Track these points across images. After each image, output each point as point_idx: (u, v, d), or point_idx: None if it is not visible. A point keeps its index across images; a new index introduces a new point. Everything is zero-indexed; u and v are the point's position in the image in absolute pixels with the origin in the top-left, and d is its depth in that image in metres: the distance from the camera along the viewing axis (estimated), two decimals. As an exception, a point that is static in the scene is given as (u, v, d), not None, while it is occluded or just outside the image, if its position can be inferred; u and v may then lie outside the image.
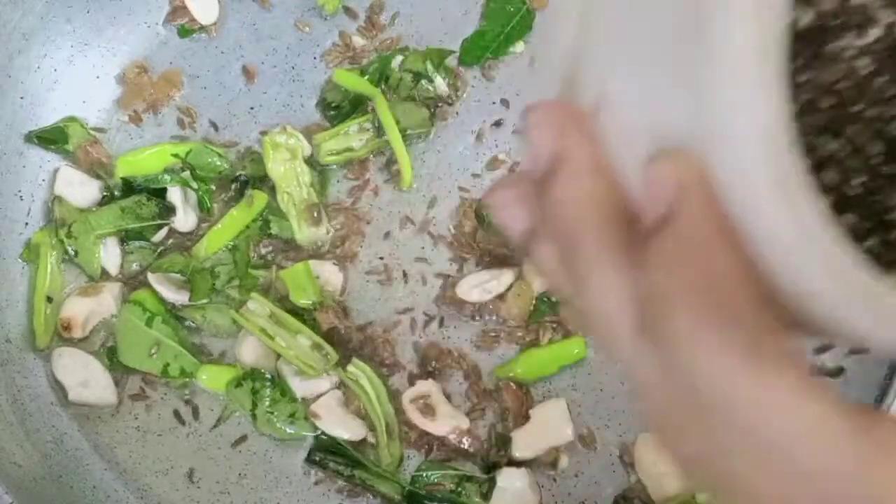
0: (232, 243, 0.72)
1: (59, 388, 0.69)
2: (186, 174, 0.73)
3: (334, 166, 0.75)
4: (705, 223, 0.23)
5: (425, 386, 0.69)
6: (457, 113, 0.77)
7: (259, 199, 0.72)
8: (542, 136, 0.27)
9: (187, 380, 0.70)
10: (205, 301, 0.71)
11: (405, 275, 0.73)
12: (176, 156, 0.73)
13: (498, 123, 0.76)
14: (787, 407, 0.22)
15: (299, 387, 0.69)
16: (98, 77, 0.76)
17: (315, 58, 0.78)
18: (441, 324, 0.71)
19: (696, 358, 0.23)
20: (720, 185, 0.23)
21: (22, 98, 0.73)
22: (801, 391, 0.23)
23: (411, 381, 0.70)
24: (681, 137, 0.24)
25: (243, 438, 0.69)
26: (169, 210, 0.72)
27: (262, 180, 0.73)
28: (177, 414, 0.70)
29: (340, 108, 0.75)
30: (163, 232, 0.72)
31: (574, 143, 0.27)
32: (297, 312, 0.69)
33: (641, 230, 0.25)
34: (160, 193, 0.73)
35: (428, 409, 0.68)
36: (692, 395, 0.24)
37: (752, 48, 0.21)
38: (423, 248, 0.73)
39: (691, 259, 0.23)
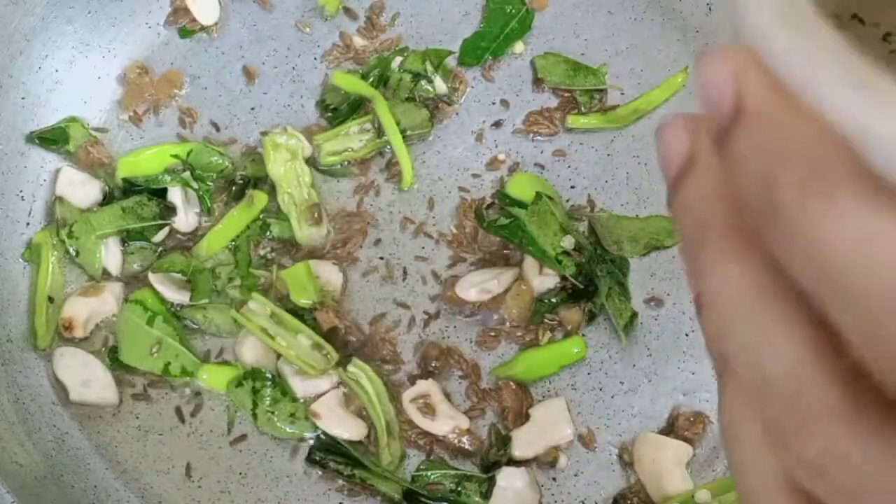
0: (233, 243, 0.72)
1: (60, 388, 0.70)
2: (187, 174, 0.73)
3: (335, 167, 0.75)
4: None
5: (425, 386, 0.69)
6: (457, 113, 0.77)
7: (259, 199, 0.72)
8: (719, 78, 0.24)
9: (188, 379, 0.70)
10: (205, 301, 0.71)
11: (405, 274, 0.73)
12: (176, 156, 0.73)
13: (498, 123, 0.76)
14: None
15: (300, 386, 0.69)
16: (99, 77, 0.77)
17: (315, 58, 0.78)
18: (441, 323, 0.72)
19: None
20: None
21: (23, 98, 0.74)
22: None
23: (411, 381, 0.70)
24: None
25: (243, 437, 0.69)
26: (170, 210, 0.73)
27: (262, 180, 0.73)
28: (178, 413, 0.70)
29: (339, 110, 0.75)
30: (164, 232, 0.73)
31: (759, 88, 0.23)
32: (297, 312, 0.69)
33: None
34: (161, 193, 0.73)
35: (428, 409, 0.68)
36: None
37: None
38: (423, 247, 0.73)
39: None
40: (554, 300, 0.71)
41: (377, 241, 0.74)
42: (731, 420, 0.25)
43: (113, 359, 0.70)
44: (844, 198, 0.20)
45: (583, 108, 0.77)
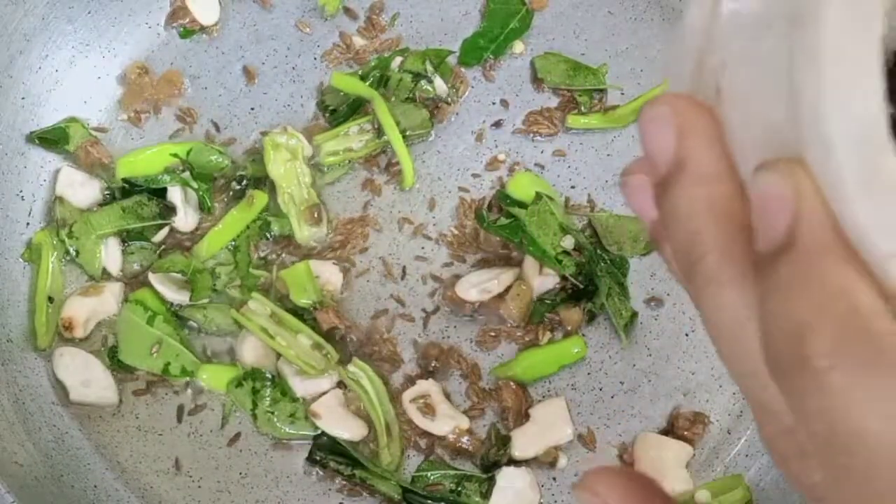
0: (233, 243, 0.72)
1: (60, 388, 0.70)
2: (186, 174, 0.73)
3: (335, 167, 0.75)
4: (829, 251, 0.21)
5: (425, 386, 0.69)
6: (457, 113, 0.77)
7: (259, 199, 0.72)
8: (660, 134, 0.25)
9: (188, 379, 0.70)
10: (205, 301, 0.71)
11: (405, 274, 0.73)
12: (176, 155, 0.73)
13: (498, 124, 0.76)
14: None
15: (300, 386, 0.69)
16: (99, 77, 0.77)
17: (315, 58, 0.78)
18: (441, 323, 0.72)
19: (844, 406, 0.21)
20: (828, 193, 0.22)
21: (23, 98, 0.74)
22: None
23: (411, 381, 0.70)
24: (788, 139, 0.22)
25: (243, 438, 0.69)
26: (169, 210, 0.73)
27: (262, 180, 0.73)
28: (178, 413, 0.70)
29: (339, 111, 0.75)
30: (163, 232, 0.73)
31: (696, 145, 0.24)
32: (297, 312, 0.69)
33: (758, 246, 0.23)
34: (161, 193, 0.73)
35: (428, 409, 0.68)
36: (832, 435, 0.21)
37: (848, 50, 0.21)
38: (423, 247, 0.73)
39: (823, 285, 0.21)
40: (554, 300, 0.71)
41: (377, 241, 0.74)
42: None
43: (113, 359, 0.70)
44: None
45: (583, 108, 0.76)
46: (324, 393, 0.69)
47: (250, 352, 0.70)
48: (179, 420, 0.70)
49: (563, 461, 0.69)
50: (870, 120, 0.21)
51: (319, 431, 0.68)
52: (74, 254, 0.71)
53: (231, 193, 0.74)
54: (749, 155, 0.24)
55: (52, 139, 0.74)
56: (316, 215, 0.72)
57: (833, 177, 0.22)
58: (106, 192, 0.73)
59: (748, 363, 0.24)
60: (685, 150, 0.24)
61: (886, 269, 0.21)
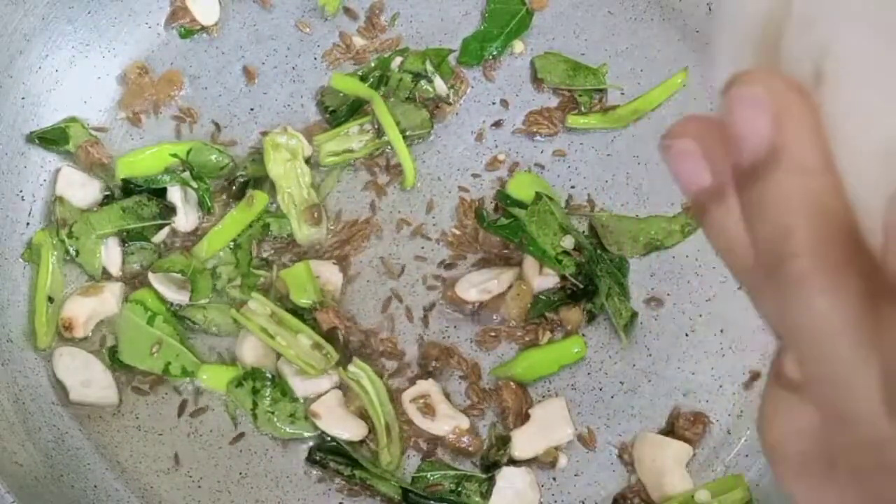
0: (234, 243, 0.72)
1: (60, 388, 0.70)
2: (186, 174, 0.73)
3: (335, 167, 0.75)
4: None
5: (425, 386, 0.69)
6: (457, 113, 0.77)
7: (259, 199, 0.72)
8: (754, 118, 0.22)
9: (188, 379, 0.70)
10: (205, 301, 0.71)
11: (405, 274, 0.73)
12: (175, 155, 0.73)
13: (498, 123, 0.76)
14: None
15: (300, 386, 0.69)
16: (99, 78, 0.77)
17: (315, 58, 0.78)
18: (441, 323, 0.72)
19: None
20: None
21: (23, 98, 0.74)
22: None
23: (411, 381, 0.70)
24: None
25: (243, 437, 0.69)
26: (169, 210, 0.73)
27: (262, 180, 0.73)
28: (178, 413, 0.70)
29: (338, 112, 0.75)
30: (163, 232, 0.73)
31: (797, 134, 0.22)
32: (297, 312, 0.69)
33: (882, 260, 0.21)
34: (161, 193, 0.73)
35: (428, 409, 0.68)
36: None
37: None
38: (422, 247, 0.73)
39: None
40: (554, 300, 0.71)
41: (377, 241, 0.74)
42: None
43: (113, 359, 0.70)
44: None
45: (583, 108, 0.76)
46: (324, 393, 0.69)
47: (250, 352, 0.70)
48: (180, 420, 0.70)
49: (563, 461, 0.69)
50: None
51: (319, 431, 0.68)
52: (74, 254, 0.71)
53: (231, 193, 0.74)
54: (862, 166, 0.22)
55: (52, 139, 0.74)
56: (316, 215, 0.72)
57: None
58: (106, 192, 0.73)
59: (835, 366, 0.22)
60: (784, 139, 0.22)
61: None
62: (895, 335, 0.21)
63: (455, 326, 0.72)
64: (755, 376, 0.71)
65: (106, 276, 0.72)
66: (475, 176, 0.75)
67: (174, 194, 0.72)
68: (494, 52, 0.78)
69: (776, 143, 0.22)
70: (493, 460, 0.68)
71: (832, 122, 0.22)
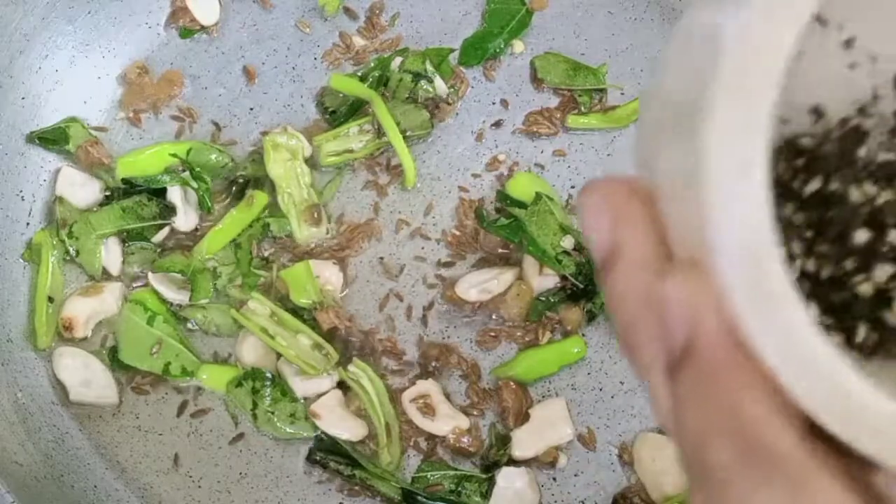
0: (234, 242, 0.72)
1: (60, 388, 0.70)
2: (186, 174, 0.73)
3: (335, 167, 0.75)
4: (725, 357, 0.22)
5: (425, 386, 0.69)
6: (457, 113, 0.77)
7: (259, 199, 0.72)
8: (596, 221, 0.25)
9: (188, 379, 0.70)
10: (205, 301, 0.71)
11: (405, 274, 0.73)
12: (176, 155, 0.73)
13: (498, 123, 0.76)
14: None
15: (300, 386, 0.69)
16: (99, 77, 0.77)
17: (315, 58, 0.78)
18: (441, 323, 0.72)
19: (737, 500, 0.22)
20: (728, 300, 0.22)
21: (23, 98, 0.74)
22: None
23: (411, 381, 0.70)
24: (696, 242, 0.23)
25: (243, 437, 0.69)
26: (169, 210, 0.73)
27: (262, 180, 0.73)
28: (178, 413, 0.70)
29: (338, 112, 0.75)
30: (164, 232, 0.73)
31: (629, 235, 0.25)
32: (297, 312, 0.69)
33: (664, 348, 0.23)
34: (161, 193, 0.73)
35: (428, 409, 0.68)
36: None
37: (736, 162, 0.21)
38: (422, 247, 0.73)
39: (717, 399, 0.22)
40: (554, 300, 0.71)
41: (377, 241, 0.74)
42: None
43: (113, 359, 0.70)
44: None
45: (583, 108, 0.77)
46: (324, 393, 0.69)
47: (250, 352, 0.70)
48: (179, 420, 0.70)
49: (563, 461, 0.69)
50: (754, 227, 0.21)
51: (319, 431, 0.68)
52: (74, 254, 0.71)
53: (231, 193, 0.74)
54: (678, 250, 0.24)
55: (52, 139, 0.74)
56: (316, 215, 0.72)
57: (724, 284, 0.22)
58: (106, 192, 0.73)
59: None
60: (620, 238, 0.25)
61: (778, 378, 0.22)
62: (675, 410, 0.23)
63: (455, 326, 0.72)
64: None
65: (106, 276, 0.72)
66: (475, 176, 0.75)
67: (174, 194, 0.72)
68: (494, 52, 0.78)
69: (615, 243, 0.25)
70: (493, 460, 0.68)
71: (667, 221, 0.25)
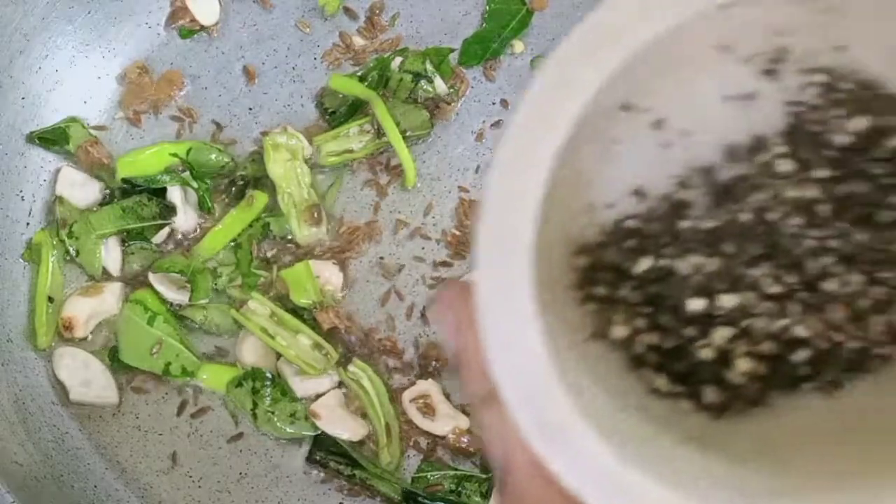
0: (234, 242, 0.72)
1: (60, 388, 0.70)
2: (186, 174, 0.73)
3: (335, 168, 0.75)
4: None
5: (425, 386, 0.69)
6: (457, 113, 0.77)
7: (259, 199, 0.72)
8: (444, 330, 0.27)
9: (188, 379, 0.70)
10: (205, 301, 0.71)
11: (405, 274, 0.73)
12: (176, 155, 0.73)
13: (498, 124, 0.76)
14: None
15: (300, 386, 0.69)
16: (99, 77, 0.77)
17: (315, 58, 0.78)
18: (441, 323, 0.72)
19: None
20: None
21: (23, 98, 0.74)
22: None
23: (411, 381, 0.70)
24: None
25: (243, 437, 0.69)
26: (169, 210, 0.73)
27: (262, 180, 0.73)
28: (178, 413, 0.70)
29: (337, 113, 0.75)
30: (164, 232, 0.73)
31: (470, 342, 0.26)
32: (297, 312, 0.69)
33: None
34: (161, 193, 0.73)
35: (428, 409, 0.68)
36: None
37: (504, 312, 0.22)
38: (423, 247, 0.73)
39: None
40: (554, 300, 0.71)
41: (377, 241, 0.74)
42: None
43: (113, 359, 0.70)
44: None
45: (583, 108, 0.76)
46: (324, 393, 0.69)
47: (250, 352, 0.70)
48: (179, 420, 0.70)
49: (563, 461, 0.69)
50: (528, 367, 0.22)
51: (319, 431, 0.68)
52: (74, 254, 0.71)
53: (231, 193, 0.74)
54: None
55: (52, 139, 0.74)
56: (316, 215, 0.72)
57: (513, 418, 0.23)
58: (106, 192, 0.74)
59: None
60: (461, 344, 0.26)
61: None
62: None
63: (455, 326, 0.72)
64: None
65: (106, 276, 0.72)
66: (475, 176, 0.75)
67: (174, 194, 0.72)
68: (494, 52, 0.78)
69: (458, 347, 0.27)
70: (493, 460, 0.68)
71: None
